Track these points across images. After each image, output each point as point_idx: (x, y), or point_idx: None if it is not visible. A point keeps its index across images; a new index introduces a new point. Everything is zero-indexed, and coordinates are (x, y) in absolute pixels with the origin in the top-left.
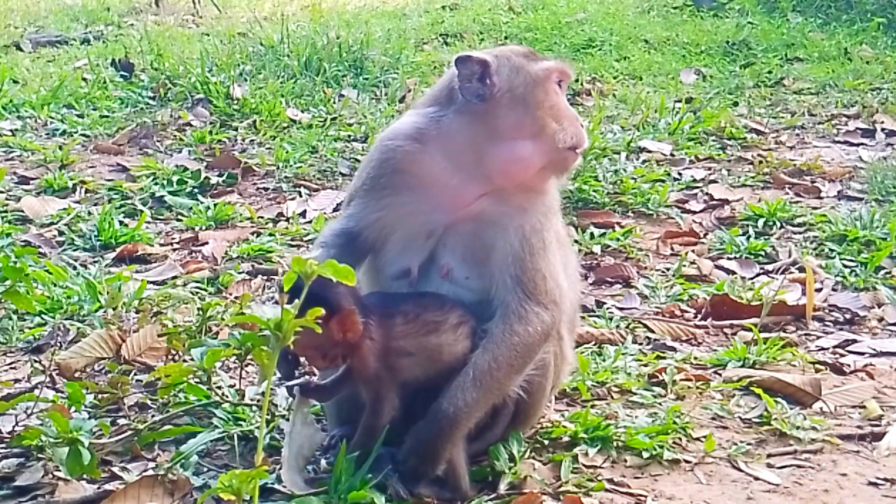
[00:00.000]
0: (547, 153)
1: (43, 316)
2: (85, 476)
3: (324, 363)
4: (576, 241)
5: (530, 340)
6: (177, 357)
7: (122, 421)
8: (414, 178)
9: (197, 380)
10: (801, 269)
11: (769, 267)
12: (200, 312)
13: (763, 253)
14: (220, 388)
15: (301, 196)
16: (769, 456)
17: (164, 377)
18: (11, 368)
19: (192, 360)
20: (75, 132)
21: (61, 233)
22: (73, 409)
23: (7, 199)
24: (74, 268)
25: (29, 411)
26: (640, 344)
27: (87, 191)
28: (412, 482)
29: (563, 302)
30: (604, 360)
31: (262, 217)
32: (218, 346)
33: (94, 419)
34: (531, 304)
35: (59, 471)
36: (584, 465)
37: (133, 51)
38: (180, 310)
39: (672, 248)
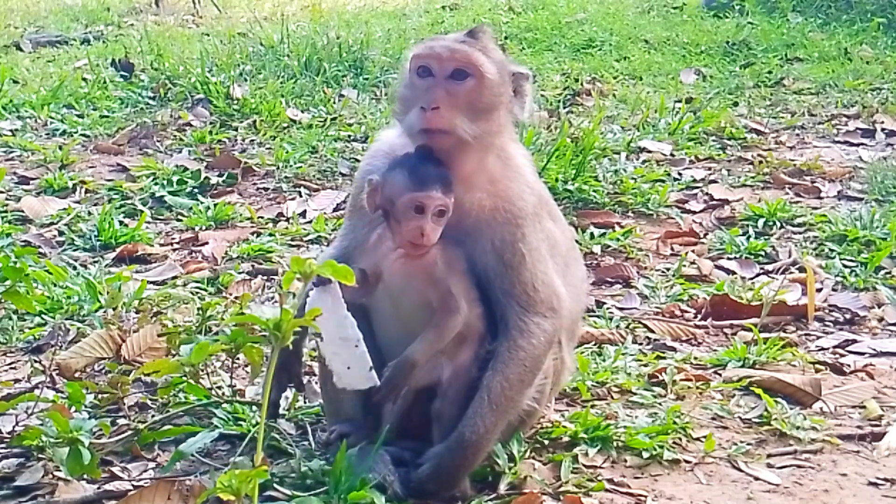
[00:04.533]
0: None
1: (43, 316)
2: (85, 476)
3: (430, 231)
4: (576, 241)
5: (536, 353)
6: (176, 357)
7: (122, 421)
8: None
9: (186, 376)
10: (802, 269)
11: (769, 267)
12: (200, 312)
13: (763, 253)
14: (219, 387)
15: (301, 196)
16: (769, 456)
17: (152, 373)
18: (11, 368)
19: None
20: (75, 132)
21: (61, 233)
22: (73, 409)
23: (7, 199)
24: (74, 268)
25: (29, 411)
26: (640, 344)
27: (87, 191)
28: (424, 497)
29: (561, 307)
30: (604, 360)
31: (262, 217)
32: (207, 341)
33: (94, 419)
34: (530, 316)
35: (60, 471)
36: (584, 465)
37: (133, 51)
38: (180, 310)
39: (672, 248)
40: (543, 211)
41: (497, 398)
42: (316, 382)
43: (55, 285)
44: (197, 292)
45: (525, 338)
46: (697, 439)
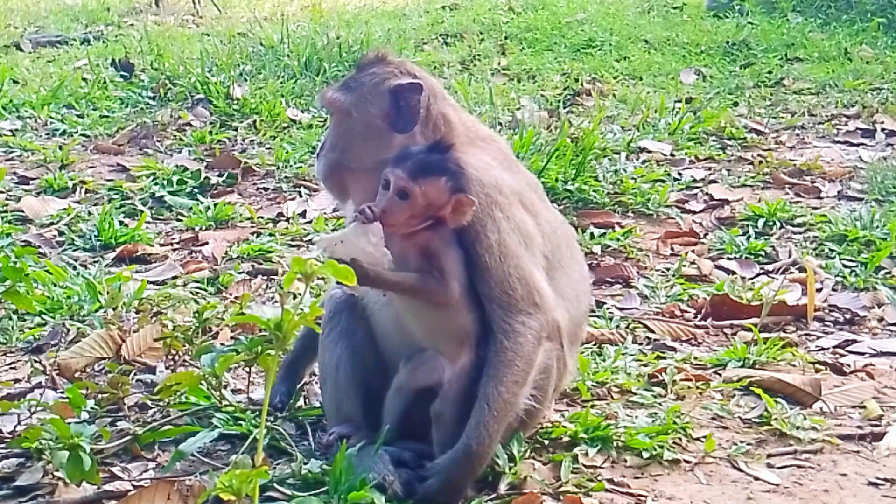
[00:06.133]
0: None
1: (43, 316)
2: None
3: (409, 223)
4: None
5: (524, 351)
6: (177, 357)
7: (121, 423)
8: None
9: (206, 385)
10: (802, 269)
11: (769, 267)
12: (197, 316)
13: (763, 253)
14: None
15: (301, 196)
16: (769, 456)
17: (173, 384)
18: (11, 368)
19: (197, 364)
20: (75, 132)
21: (61, 233)
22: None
23: (7, 199)
24: (74, 268)
25: (32, 411)
26: (640, 344)
27: (87, 191)
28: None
29: (544, 302)
30: (604, 360)
31: (262, 217)
32: (227, 351)
33: (95, 419)
34: (513, 316)
35: (60, 471)
36: (584, 465)
37: (133, 51)
38: (180, 310)
39: (672, 248)
40: (510, 199)
41: (496, 404)
42: (316, 383)
43: (55, 285)
44: (197, 292)
45: (511, 339)
46: (697, 439)
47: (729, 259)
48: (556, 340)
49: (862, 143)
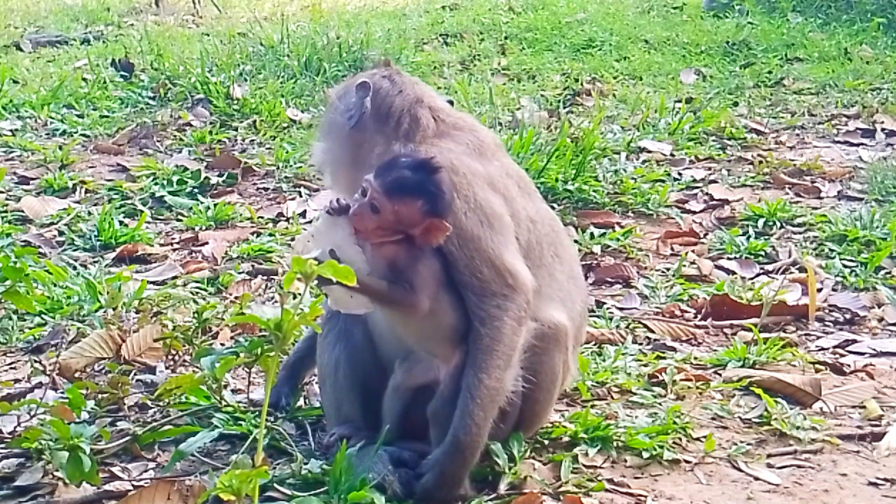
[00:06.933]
0: None
1: (43, 316)
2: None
3: (377, 233)
4: (576, 241)
5: (503, 336)
6: (177, 357)
7: (121, 423)
8: None
9: (206, 386)
10: (802, 269)
11: (769, 267)
12: (197, 316)
13: (763, 253)
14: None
15: (301, 196)
16: (769, 456)
17: (173, 388)
18: (11, 368)
19: (197, 365)
20: (75, 132)
21: (61, 233)
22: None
23: (7, 199)
24: (74, 268)
25: (32, 413)
26: (640, 344)
27: (87, 191)
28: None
29: (517, 283)
30: (604, 360)
31: (262, 217)
32: (227, 353)
33: (95, 419)
34: (487, 301)
35: (60, 471)
36: (584, 465)
37: (133, 51)
38: (180, 310)
39: (672, 248)
40: (469, 180)
41: (478, 393)
42: (316, 383)
43: (55, 285)
44: (197, 292)
45: (486, 325)
46: (697, 439)
47: (729, 259)
48: (546, 325)
49: (862, 143)
